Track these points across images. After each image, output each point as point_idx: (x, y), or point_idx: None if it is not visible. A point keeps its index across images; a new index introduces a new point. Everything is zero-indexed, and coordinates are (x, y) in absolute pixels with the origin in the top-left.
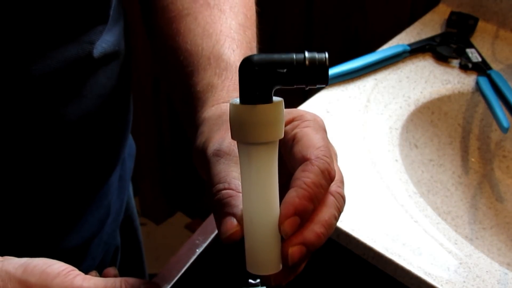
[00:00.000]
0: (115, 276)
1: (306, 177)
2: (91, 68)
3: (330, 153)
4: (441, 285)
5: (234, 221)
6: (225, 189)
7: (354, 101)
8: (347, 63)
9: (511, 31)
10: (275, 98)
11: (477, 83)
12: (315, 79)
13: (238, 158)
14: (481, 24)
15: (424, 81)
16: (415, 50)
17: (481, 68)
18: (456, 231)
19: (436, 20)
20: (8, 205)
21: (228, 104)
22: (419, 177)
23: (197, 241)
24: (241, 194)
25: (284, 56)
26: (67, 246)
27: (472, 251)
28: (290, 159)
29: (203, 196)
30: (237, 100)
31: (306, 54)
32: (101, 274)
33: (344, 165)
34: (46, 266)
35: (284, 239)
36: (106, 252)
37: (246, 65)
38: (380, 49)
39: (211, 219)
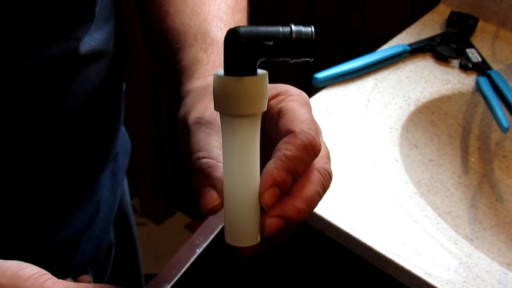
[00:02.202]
0: (89, 282)
1: (286, 149)
2: (78, 65)
3: (315, 126)
4: (441, 285)
5: (214, 194)
6: (205, 157)
7: (354, 101)
8: (347, 63)
9: (511, 31)
10: (259, 71)
11: (477, 83)
12: (300, 53)
13: (219, 128)
14: (481, 24)
15: (424, 81)
16: (415, 50)
17: (481, 68)
18: (456, 231)
19: (436, 20)
20: None
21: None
22: (419, 177)
23: (197, 241)
24: (221, 165)
25: (270, 29)
26: (56, 241)
27: (472, 251)
28: (275, 133)
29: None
30: (222, 72)
31: (293, 27)
32: (75, 280)
33: (344, 165)
34: (19, 269)
35: (265, 209)
36: (98, 247)
37: (232, 37)
38: (380, 49)
39: (211, 219)
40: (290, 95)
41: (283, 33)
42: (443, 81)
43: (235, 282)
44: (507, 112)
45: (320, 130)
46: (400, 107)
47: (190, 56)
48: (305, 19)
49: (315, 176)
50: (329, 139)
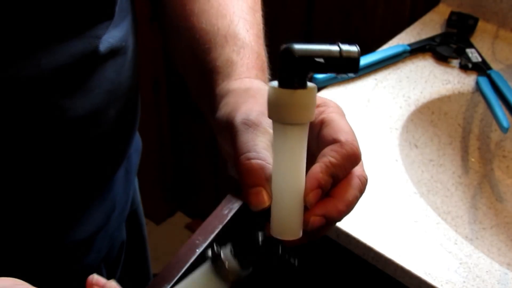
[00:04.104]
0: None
1: (332, 156)
2: (98, 63)
3: (356, 138)
4: (441, 285)
5: (266, 195)
6: (255, 158)
7: (354, 101)
8: None
9: (511, 31)
10: (309, 84)
11: (477, 83)
12: (347, 69)
13: (265, 129)
14: (481, 24)
15: (424, 81)
16: (415, 50)
17: (481, 68)
18: (456, 231)
19: (436, 20)
20: (14, 198)
21: (250, 80)
22: (419, 177)
23: (197, 241)
24: (270, 166)
25: (321, 47)
26: (72, 239)
27: (472, 251)
28: (318, 141)
29: (205, 195)
30: (275, 83)
31: (342, 47)
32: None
33: None
34: None
35: (308, 209)
36: (112, 246)
37: (288, 53)
38: (380, 49)
39: (211, 219)
40: (330, 107)
41: (333, 52)
42: (443, 81)
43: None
44: (507, 112)
45: None
46: (400, 107)
47: (224, 57)
48: (305, 19)
49: (356, 183)
50: None
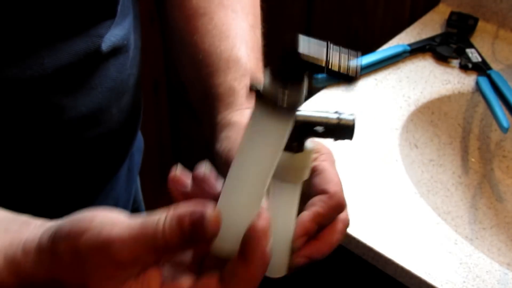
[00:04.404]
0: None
1: (321, 207)
2: (100, 62)
3: (343, 188)
4: (441, 285)
5: None
6: None
7: (354, 101)
8: None
9: (511, 31)
10: (306, 147)
11: (477, 83)
12: (343, 136)
13: None
14: (481, 24)
15: (424, 81)
16: (415, 50)
17: (481, 68)
18: (456, 231)
19: (436, 20)
20: (16, 195)
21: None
22: (419, 177)
23: None
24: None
25: (320, 116)
26: None
27: (472, 251)
28: (308, 187)
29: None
30: None
31: (340, 116)
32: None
33: (344, 165)
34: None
35: (294, 250)
36: None
37: None
38: (380, 49)
39: None
40: (323, 154)
41: (331, 122)
42: (443, 81)
43: None
44: (507, 112)
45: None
46: (400, 107)
47: (226, 85)
48: (305, 19)
49: (339, 227)
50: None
